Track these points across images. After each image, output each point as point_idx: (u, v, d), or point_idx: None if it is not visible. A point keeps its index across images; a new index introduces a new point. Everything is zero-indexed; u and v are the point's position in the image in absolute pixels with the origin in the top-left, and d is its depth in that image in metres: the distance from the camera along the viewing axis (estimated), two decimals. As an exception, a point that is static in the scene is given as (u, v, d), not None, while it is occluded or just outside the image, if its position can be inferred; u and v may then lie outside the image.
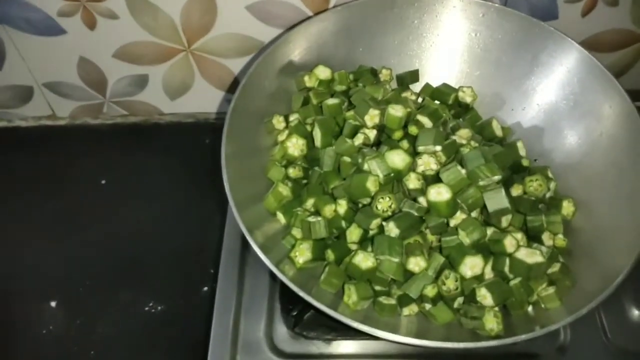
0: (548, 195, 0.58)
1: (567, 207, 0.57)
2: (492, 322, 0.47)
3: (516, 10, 0.62)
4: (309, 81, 0.62)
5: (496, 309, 0.49)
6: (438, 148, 0.54)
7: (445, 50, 0.66)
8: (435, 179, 0.53)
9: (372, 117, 0.57)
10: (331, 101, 0.59)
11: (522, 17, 0.61)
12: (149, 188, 0.77)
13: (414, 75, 0.66)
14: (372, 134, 0.57)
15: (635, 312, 0.60)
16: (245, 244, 0.63)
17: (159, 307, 0.67)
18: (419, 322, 0.51)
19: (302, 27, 0.61)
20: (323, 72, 0.62)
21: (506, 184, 0.56)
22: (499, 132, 0.61)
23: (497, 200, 0.52)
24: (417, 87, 0.67)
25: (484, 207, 0.53)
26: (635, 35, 0.75)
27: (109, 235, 0.72)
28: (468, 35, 0.64)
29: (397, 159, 0.53)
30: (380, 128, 0.58)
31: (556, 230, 0.55)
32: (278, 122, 0.61)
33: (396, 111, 0.56)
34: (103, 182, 0.77)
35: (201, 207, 0.75)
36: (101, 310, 0.67)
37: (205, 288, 0.68)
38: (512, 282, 0.50)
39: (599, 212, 0.56)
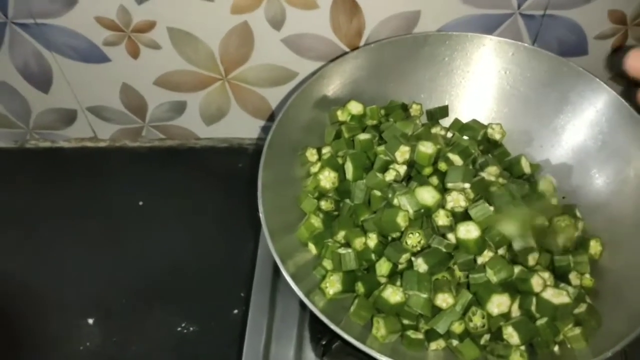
0: (576, 234, 0.59)
1: (594, 247, 0.57)
2: (518, 362, 0.49)
3: (545, 50, 0.64)
4: (341, 115, 0.65)
5: (522, 347, 0.50)
6: (467, 185, 0.55)
7: (475, 86, 0.67)
8: (464, 215, 0.55)
9: (403, 153, 0.58)
10: (363, 136, 0.61)
11: (552, 57, 0.63)
12: (184, 210, 0.80)
13: (443, 111, 0.68)
14: (402, 169, 0.58)
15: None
16: (277, 271, 0.65)
17: (191, 328, 0.69)
18: (445, 358, 0.52)
19: (336, 64, 0.63)
20: (355, 107, 0.64)
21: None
22: (527, 169, 0.62)
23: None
24: (446, 122, 0.69)
25: (510, 245, 0.54)
26: (665, 71, 0.75)
27: (144, 255, 0.75)
28: (498, 73, 0.66)
29: (427, 195, 0.55)
30: (410, 164, 0.59)
31: (583, 270, 0.56)
32: (311, 154, 0.63)
33: (427, 148, 0.58)
34: (140, 203, 0.80)
35: (234, 230, 0.77)
36: (136, 328, 0.70)
37: (236, 311, 0.70)
38: (538, 322, 0.51)
39: (626, 253, 0.56)
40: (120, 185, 0.82)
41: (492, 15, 0.67)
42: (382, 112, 0.66)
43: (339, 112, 0.65)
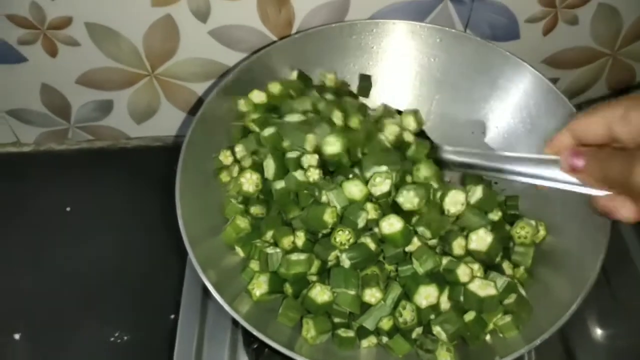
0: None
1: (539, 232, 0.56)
2: (445, 357, 0.47)
3: (478, 35, 0.63)
4: (244, 106, 0.60)
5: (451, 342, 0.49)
6: (383, 168, 0.53)
7: (405, 74, 0.66)
8: (392, 205, 0.53)
9: (309, 141, 0.55)
10: (267, 132, 0.56)
11: (479, 42, 0.62)
12: (115, 214, 0.76)
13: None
14: (314, 158, 0.54)
15: (599, 332, 0.60)
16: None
17: (125, 337, 0.66)
18: (378, 355, 0.50)
19: (260, 56, 0.61)
20: (258, 97, 0.60)
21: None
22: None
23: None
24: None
25: (442, 236, 0.53)
26: (596, 52, 0.76)
27: (74, 264, 0.72)
28: (427, 60, 0.64)
29: (355, 189, 0.52)
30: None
31: (525, 262, 0.54)
32: (225, 157, 0.59)
33: (332, 146, 0.54)
34: (68, 209, 0.76)
35: (168, 233, 0.74)
36: (66, 341, 0.66)
37: (172, 316, 0.67)
38: (466, 317, 0.50)
39: (563, 237, 0.55)
40: (47, 191, 0.78)
41: (422, 2, 0.66)
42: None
43: (241, 102, 0.60)
